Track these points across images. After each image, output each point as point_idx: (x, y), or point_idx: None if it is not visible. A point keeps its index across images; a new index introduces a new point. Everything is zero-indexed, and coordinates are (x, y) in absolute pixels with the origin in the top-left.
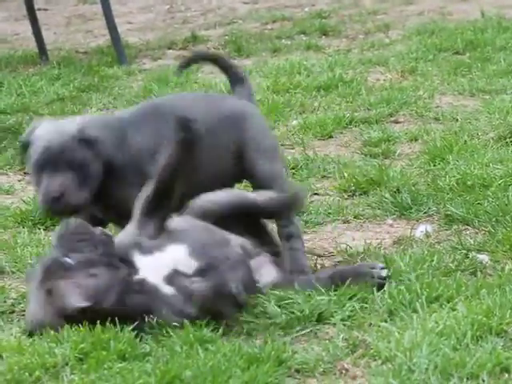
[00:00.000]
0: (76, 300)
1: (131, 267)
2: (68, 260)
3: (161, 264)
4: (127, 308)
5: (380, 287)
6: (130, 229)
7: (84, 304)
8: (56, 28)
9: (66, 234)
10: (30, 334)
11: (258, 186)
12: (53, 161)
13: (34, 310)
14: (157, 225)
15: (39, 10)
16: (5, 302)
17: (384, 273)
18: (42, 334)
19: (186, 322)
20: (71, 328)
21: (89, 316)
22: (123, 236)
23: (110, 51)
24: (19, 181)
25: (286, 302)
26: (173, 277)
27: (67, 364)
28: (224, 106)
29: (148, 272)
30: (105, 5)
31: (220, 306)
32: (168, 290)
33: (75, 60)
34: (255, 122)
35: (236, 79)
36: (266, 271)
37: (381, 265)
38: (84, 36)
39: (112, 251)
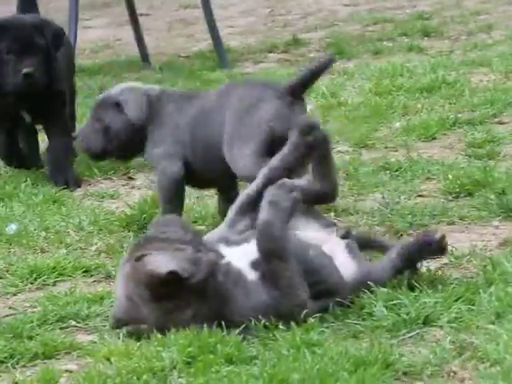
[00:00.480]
0: (166, 266)
1: (218, 253)
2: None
3: (247, 252)
4: (209, 290)
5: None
6: (220, 227)
7: (175, 269)
8: (158, 33)
9: (160, 220)
10: (138, 339)
11: None
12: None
13: (118, 301)
14: (247, 222)
15: (141, 15)
16: (111, 306)
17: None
18: (149, 338)
19: (293, 325)
20: (178, 331)
21: (171, 289)
22: (212, 233)
23: (212, 55)
24: (123, 185)
25: (393, 303)
26: (258, 263)
27: (175, 368)
28: None
29: (233, 258)
30: (206, 9)
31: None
32: (252, 275)
33: (177, 64)
34: None
35: None
36: (344, 265)
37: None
38: (186, 40)
39: (200, 240)
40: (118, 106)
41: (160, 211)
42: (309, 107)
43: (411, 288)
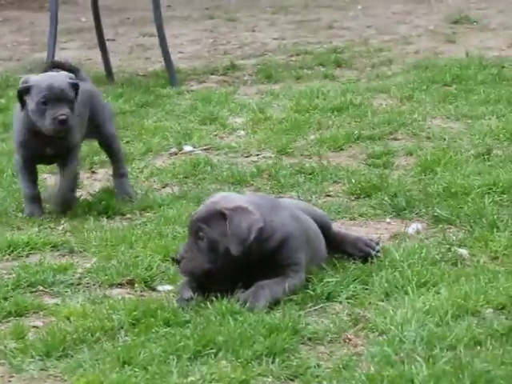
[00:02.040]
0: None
1: None
2: None
3: None
4: None
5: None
6: None
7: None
8: (121, 55)
9: None
10: (93, 302)
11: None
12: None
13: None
14: None
15: (108, 40)
16: (73, 275)
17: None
18: (101, 303)
19: (219, 296)
20: (124, 298)
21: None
22: None
23: (164, 75)
24: (87, 177)
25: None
26: None
27: (122, 328)
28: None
29: None
30: (161, 37)
31: None
32: None
33: (136, 81)
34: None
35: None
36: None
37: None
38: (143, 62)
39: None
40: None
41: None
42: (241, 120)
43: (318, 269)
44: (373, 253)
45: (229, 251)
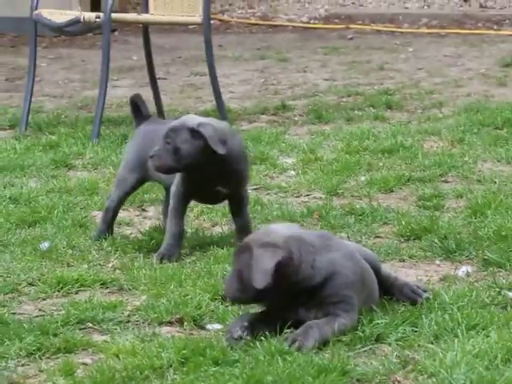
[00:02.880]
0: None
1: None
2: None
3: None
4: None
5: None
6: None
7: None
8: (172, 94)
9: None
10: (142, 340)
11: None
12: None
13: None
14: None
15: (159, 78)
16: (122, 313)
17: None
18: (151, 341)
19: (269, 336)
20: (174, 336)
21: None
22: None
23: (215, 114)
24: (137, 215)
25: None
26: None
27: (171, 366)
28: None
29: None
30: (212, 77)
31: None
32: None
33: None
34: None
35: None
36: None
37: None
38: (194, 101)
39: None
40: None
41: None
42: (291, 160)
43: (368, 310)
44: (419, 300)
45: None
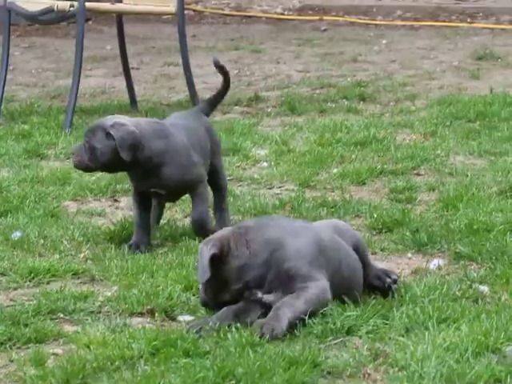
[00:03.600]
0: None
1: None
2: None
3: None
4: None
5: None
6: None
7: None
8: (145, 84)
9: None
10: (113, 331)
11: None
12: None
13: None
14: None
15: (132, 68)
16: (93, 303)
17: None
18: (122, 332)
19: (240, 328)
20: (145, 327)
21: None
22: None
23: (188, 105)
24: (109, 206)
25: (323, 313)
26: None
27: (142, 357)
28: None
29: None
30: (186, 67)
31: None
32: None
33: (159, 110)
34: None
35: None
36: None
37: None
38: (167, 91)
39: None
40: None
41: None
42: (263, 152)
43: (340, 302)
44: (388, 280)
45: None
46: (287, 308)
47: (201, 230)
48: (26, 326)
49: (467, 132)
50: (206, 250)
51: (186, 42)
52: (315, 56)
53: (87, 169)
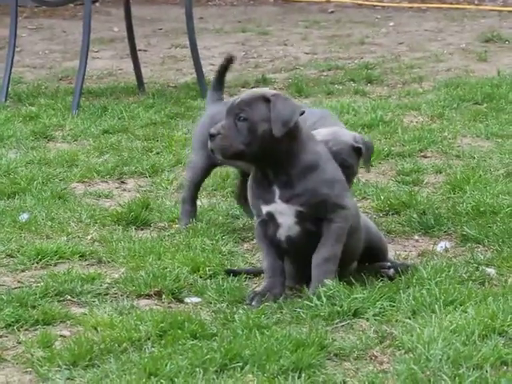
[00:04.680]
0: None
1: None
2: None
3: None
4: None
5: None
6: None
7: None
8: (152, 66)
9: None
10: (120, 313)
11: None
12: None
13: None
14: None
15: (140, 50)
16: (101, 285)
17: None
18: (129, 313)
19: (247, 310)
20: (152, 309)
21: None
22: None
23: (195, 87)
24: (116, 188)
25: (330, 295)
26: None
27: (149, 339)
28: None
29: None
30: (193, 49)
31: None
32: None
33: (167, 92)
34: None
35: None
36: None
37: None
38: (175, 73)
39: None
40: None
41: None
42: None
43: (347, 284)
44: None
45: (266, 135)
46: (325, 267)
47: None
48: (34, 307)
49: (474, 114)
50: (290, 104)
51: (193, 24)
52: (322, 38)
53: (237, 156)
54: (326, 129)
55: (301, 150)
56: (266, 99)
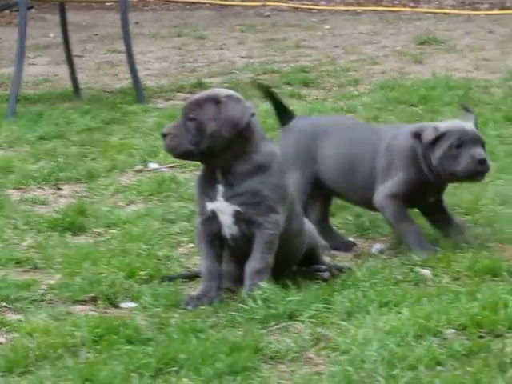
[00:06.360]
0: None
1: None
2: None
3: None
4: None
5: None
6: None
7: None
8: (88, 71)
9: None
10: (56, 319)
11: None
12: None
13: None
14: None
15: (75, 56)
16: (36, 292)
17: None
18: (64, 319)
19: (183, 313)
20: (87, 315)
21: None
22: None
23: (131, 92)
24: (52, 194)
25: (266, 298)
26: None
27: (84, 344)
28: None
29: None
30: (129, 54)
31: None
32: None
33: (102, 98)
34: None
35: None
36: None
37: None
38: (111, 79)
39: None
40: None
41: None
42: None
43: (282, 287)
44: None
45: (215, 135)
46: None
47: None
48: None
49: (410, 116)
50: (241, 106)
51: (128, 29)
52: (258, 42)
53: (187, 155)
54: (447, 121)
55: (254, 150)
56: (216, 100)
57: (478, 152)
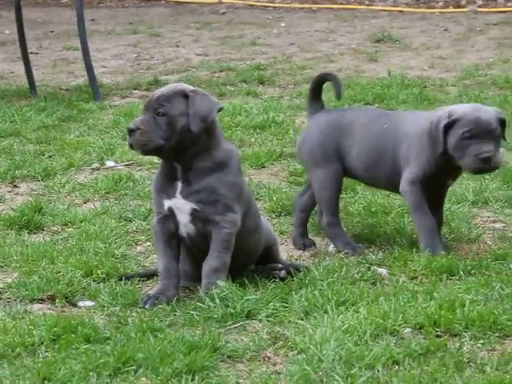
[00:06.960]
0: None
1: None
2: None
3: None
4: None
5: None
6: None
7: None
8: (44, 69)
9: None
10: (14, 318)
11: None
12: None
13: None
14: None
15: (31, 53)
16: None
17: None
18: (22, 318)
19: (141, 313)
20: (45, 314)
21: None
22: None
23: (87, 89)
24: (9, 192)
25: (224, 297)
26: None
27: (42, 343)
28: None
29: None
30: (84, 51)
31: None
32: None
33: (59, 95)
34: None
35: None
36: None
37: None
38: (66, 76)
39: None
40: None
41: None
42: None
43: (240, 286)
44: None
45: (185, 130)
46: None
47: None
48: None
49: None
50: (208, 100)
51: (84, 26)
52: (214, 39)
53: (157, 151)
54: (465, 104)
55: (214, 146)
56: (184, 95)
57: (484, 149)
